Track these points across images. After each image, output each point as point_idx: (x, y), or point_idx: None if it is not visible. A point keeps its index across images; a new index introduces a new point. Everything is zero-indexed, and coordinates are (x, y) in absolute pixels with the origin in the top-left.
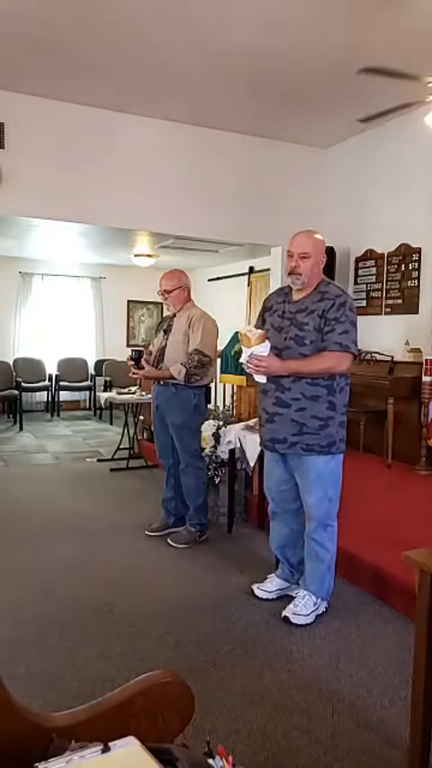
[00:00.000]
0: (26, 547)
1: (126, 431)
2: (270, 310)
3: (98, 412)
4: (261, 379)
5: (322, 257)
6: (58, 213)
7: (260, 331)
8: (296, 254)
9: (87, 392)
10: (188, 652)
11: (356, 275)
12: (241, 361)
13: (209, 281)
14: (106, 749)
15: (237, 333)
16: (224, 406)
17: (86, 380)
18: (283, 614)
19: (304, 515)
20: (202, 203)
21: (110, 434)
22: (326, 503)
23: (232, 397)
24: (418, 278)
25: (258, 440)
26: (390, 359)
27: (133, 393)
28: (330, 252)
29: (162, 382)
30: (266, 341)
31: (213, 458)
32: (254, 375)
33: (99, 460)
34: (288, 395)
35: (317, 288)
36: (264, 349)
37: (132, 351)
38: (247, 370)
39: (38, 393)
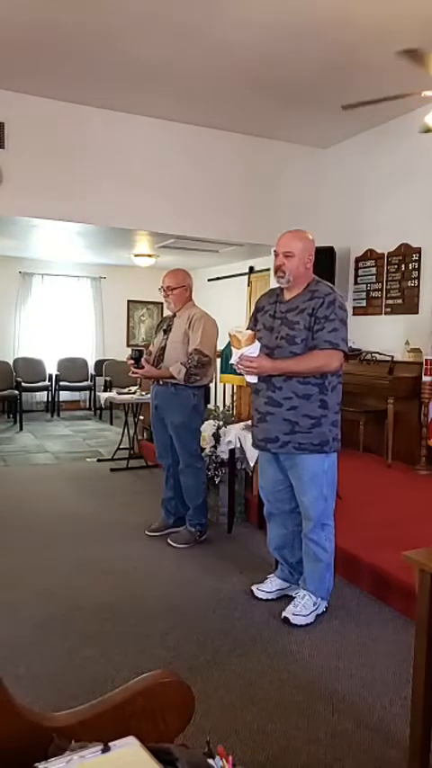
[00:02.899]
0: (26, 547)
1: (126, 431)
2: (262, 311)
3: (98, 412)
4: (252, 379)
5: (309, 257)
6: (58, 213)
7: (249, 332)
8: (280, 252)
9: (87, 392)
10: (188, 652)
11: (356, 275)
12: (232, 362)
13: (209, 281)
14: (106, 749)
15: None
16: (224, 406)
17: (86, 380)
18: (282, 615)
19: (300, 515)
20: (203, 203)
21: (110, 434)
22: (321, 502)
23: (232, 397)
24: (418, 278)
25: None
26: (390, 359)
27: (133, 393)
28: (330, 252)
29: (161, 382)
30: (256, 341)
31: (213, 458)
32: (245, 375)
33: (99, 460)
34: (280, 394)
35: (307, 287)
36: (254, 350)
37: (132, 350)
38: (238, 371)
39: (38, 393)
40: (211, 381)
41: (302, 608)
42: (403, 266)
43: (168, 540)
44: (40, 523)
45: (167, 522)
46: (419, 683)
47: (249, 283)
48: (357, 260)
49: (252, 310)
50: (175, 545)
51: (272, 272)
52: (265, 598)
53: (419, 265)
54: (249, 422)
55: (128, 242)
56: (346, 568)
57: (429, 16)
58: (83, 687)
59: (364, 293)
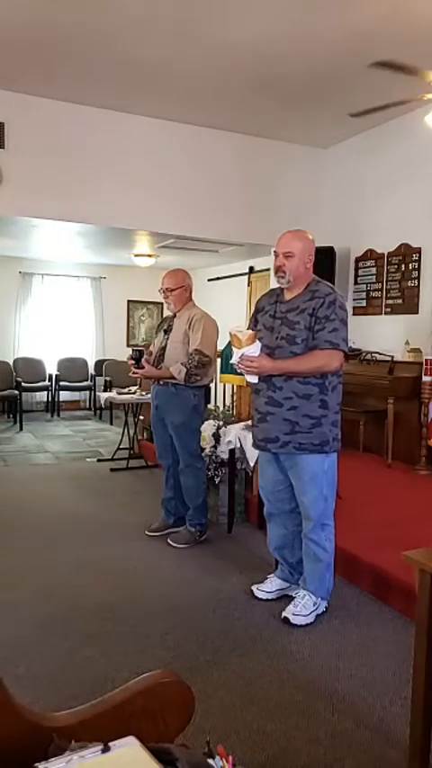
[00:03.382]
0: (26, 547)
1: (126, 431)
2: (262, 311)
3: (98, 412)
4: (252, 379)
5: (309, 257)
6: (58, 213)
7: (250, 332)
8: (280, 253)
9: (87, 392)
10: (188, 652)
11: (356, 275)
12: (232, 362)
13: (209, 281)
14: (106, 749)
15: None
16: (224, 406)
17: (86, 380)
18: (282, 615)
19: (300, 515)
20: (203, 203)
21: (110, 434)
22: (321, 502)
23: (232, 397)
24: (418, 278)
25: None
26: (390, 359)
27: (133, 393)
28: (330, 252)
29: (162, 382)
30: (257, 341)
31: (213, 458)
32: (245, 375)
33: (99, 460)
34: (280, 394)
35: (307, 287)
36: (255, 349)
37: (133, 350)
38: (239, 371)
39: (38, 393)
40: (211, 381)
41: (302, 608)
42: (403, 266)
43: (168, 540)
44: (40, 523)
45: (167, 522)
46: (419, 683)
47: (249, 283)
48: (357, 260)
49: (252, 310)
50: (175, 545)
51: (272, 272)
52: (265, 598)
53: (419, 265)
54: (249, 422)
55: (128, 242)
56: (346, 568)
57: (429, 17)
58: (83, 687)
59: (364, 293)
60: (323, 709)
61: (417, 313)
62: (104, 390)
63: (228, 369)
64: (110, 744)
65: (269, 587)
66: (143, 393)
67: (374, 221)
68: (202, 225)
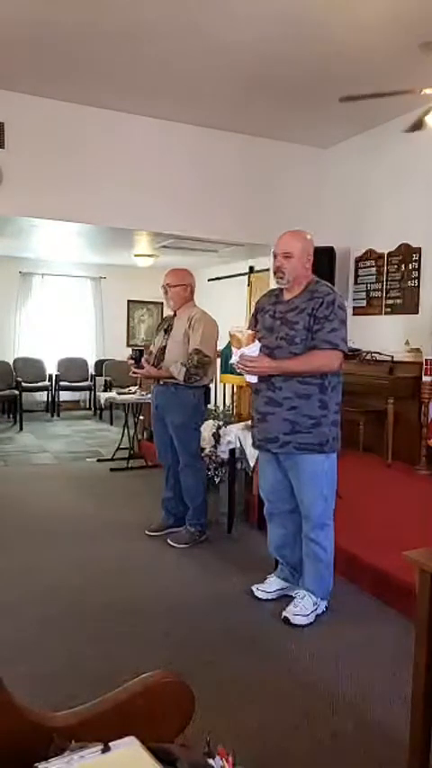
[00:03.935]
0: (26, 547)
1: (126, 431)
2: (262, 311)
3: (98, 412)
4: (252, 379)
5: (308, 257)
6: (58, 213)
7: (250, 331)
8: (279, 254)
9: (87, 392)
10: (188, 652)
11: (356, 275)
12: (232, 362)
13: (209, 281)
14: (106, 749)
15: None
16: (224, 406)
17: (86, 380)
18: (282, 615)
19: (300, 515)
20: (203, 203)
21: (110, 434)
22: (321, 502)
23: (232, 397)
24: (419, 278)
25: None
26: (390, 359)
27: (133, 393)
28: (330, 252)
29: (162, 382)
30: (256, 341)
31: (213, 458)
32: (245, 375)
33: (99, 460)
34: (279, 394)
35: (307, 287)
36: (254, 349)
37: (133, 350)
38: (238, 371)
39: (38, 393)
40: (211, 381)
41: (302, 608)
42: (403, 266)
43: (168, 540)
44: (40, 523)
45: (167, 521)
46: (419, 683)
47: (249, 283)
48: (357, 260)
49: (252, 310)
50: (175, 545)
51: (271, 272)
52: (265, 598)
53: (419, 265)
54: (249, 422)
55: (128, 242)
56: (346, 568)
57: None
58: (83, 687)
59: (364, 293)
60: (323, 709)
61: (417, 313)
62: (104, 390)
63: (228, 369)
64: (110, 744)
65: (269, 587)
66: (143, 393)
67: (375, 221)
68: (202, 225)
